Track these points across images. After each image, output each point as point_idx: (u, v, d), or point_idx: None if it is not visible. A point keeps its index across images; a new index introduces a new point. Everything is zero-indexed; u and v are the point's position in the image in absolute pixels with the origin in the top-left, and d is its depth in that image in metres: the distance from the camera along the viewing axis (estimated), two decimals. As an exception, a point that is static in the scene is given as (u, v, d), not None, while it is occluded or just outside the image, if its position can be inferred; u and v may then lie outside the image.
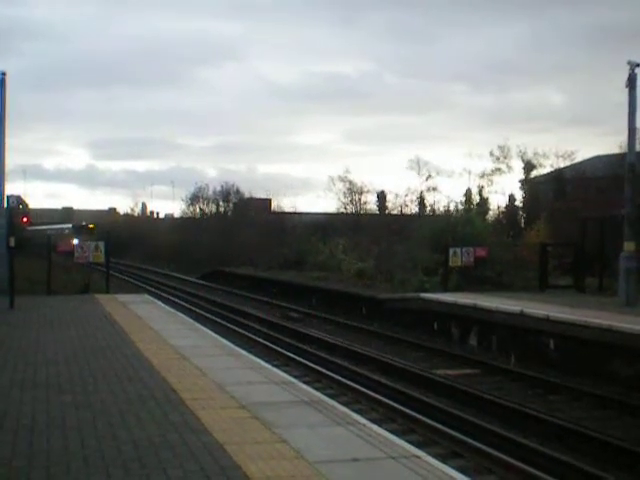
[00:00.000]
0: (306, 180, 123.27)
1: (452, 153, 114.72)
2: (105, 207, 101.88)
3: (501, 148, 40.84)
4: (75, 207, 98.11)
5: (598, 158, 37.84)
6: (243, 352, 12.21)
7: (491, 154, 40.99)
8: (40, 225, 73.73)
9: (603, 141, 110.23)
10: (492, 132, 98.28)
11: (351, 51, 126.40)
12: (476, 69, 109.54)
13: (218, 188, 60.28)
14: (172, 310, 19.49)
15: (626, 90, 18.42)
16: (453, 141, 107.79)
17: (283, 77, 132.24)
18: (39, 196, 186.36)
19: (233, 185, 59.66)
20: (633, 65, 18.23)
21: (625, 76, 18.37)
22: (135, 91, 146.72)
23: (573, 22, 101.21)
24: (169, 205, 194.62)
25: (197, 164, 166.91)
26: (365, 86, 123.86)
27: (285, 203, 55.31)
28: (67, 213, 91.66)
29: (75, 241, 27.05)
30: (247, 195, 58.45)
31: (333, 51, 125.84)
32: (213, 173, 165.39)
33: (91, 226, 68.30)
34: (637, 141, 21.62)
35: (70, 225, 68.12)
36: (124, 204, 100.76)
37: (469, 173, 42.04)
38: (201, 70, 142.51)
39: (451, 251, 23.12)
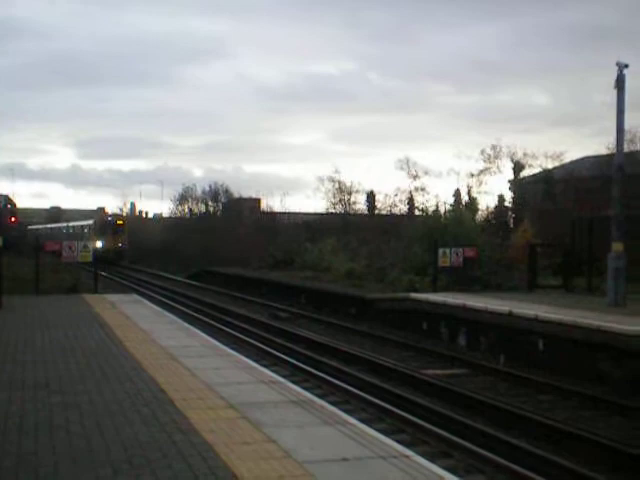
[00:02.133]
0: (294, 180, 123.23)
1: (440, 153, 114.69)
2: (92, 207, 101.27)
3: (493, 148, 40.93)
4: (62, 207, 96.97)
5: (587, 159, 37.99)
6: (232, 352, 12.20)
7: (482, 153, 41.03)
8: (49, 223, 70.95)
9: (589, 142, 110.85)
10: (478, 132, 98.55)
11: (335, 50, 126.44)
12: (460, 69, 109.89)
13: (206, 188, 60.32)
14: (160, 310, 19.45)
15: (613, 91, 18.48)
16: (440, 141, 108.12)
17: (269, 76, 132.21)
18: (24, 196, 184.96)
19: (222, 185, 59.69)
20: (621, 66, 18.27)
21: (611, 76, 18.44)
22: (120, 90, 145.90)
23: (557, 22, 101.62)
24: (158, 204, 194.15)
25: (183, 163, 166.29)
26: (350, 86, 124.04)
27: (274, 203, 55.30)
28: (56, 213, 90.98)
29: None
30: (236, 195, 58.46)
31: (318, 51, 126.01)
32: (199, 172, 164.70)
33: (120, 222, 56.72)
34: (625, 142, 21.71)
35: (91, 221, 57.16)
36: (113, 204, 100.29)
37: (457, 174, 42.16)
38: (187, 69, 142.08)
39: (440, 251, 23.18)
